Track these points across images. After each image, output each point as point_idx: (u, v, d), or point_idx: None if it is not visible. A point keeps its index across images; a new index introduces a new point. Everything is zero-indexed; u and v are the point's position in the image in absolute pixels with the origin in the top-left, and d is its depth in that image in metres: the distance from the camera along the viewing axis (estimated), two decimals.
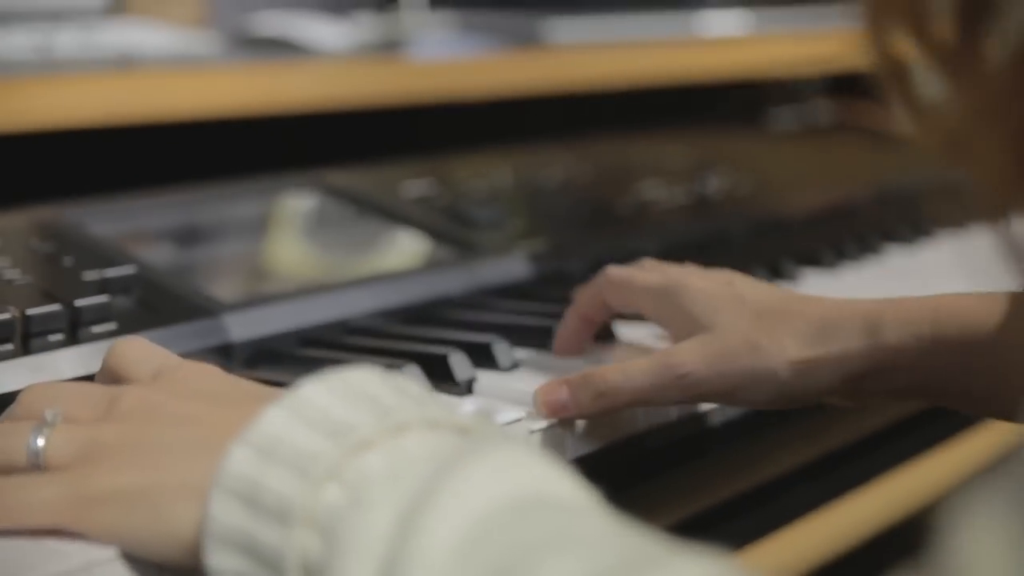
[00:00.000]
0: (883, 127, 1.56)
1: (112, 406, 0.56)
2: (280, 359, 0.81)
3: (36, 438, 0.55)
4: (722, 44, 1.44)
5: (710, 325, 0.71)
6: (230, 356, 0.80)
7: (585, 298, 0.80)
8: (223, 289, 0.87)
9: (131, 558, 0.52)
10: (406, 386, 0.52)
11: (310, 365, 0.78)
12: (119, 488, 0.52)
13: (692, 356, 0.70)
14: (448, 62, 1.26)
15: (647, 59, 1.35)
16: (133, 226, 0.93)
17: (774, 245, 1.08)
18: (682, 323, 0.73)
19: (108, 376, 0.61)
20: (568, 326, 0.81)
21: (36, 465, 0.54)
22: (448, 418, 0.50)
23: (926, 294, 0.69)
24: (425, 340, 0.82)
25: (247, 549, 0.48)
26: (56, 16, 1.34)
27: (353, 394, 0.50)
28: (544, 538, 0.43)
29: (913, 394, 0.70)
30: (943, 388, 0.68)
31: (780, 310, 0.70)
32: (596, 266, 1.00)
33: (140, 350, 0.61)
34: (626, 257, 1.02)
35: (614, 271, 0.79)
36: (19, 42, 1.19)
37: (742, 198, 1.20)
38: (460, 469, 0.45)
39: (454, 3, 1.51)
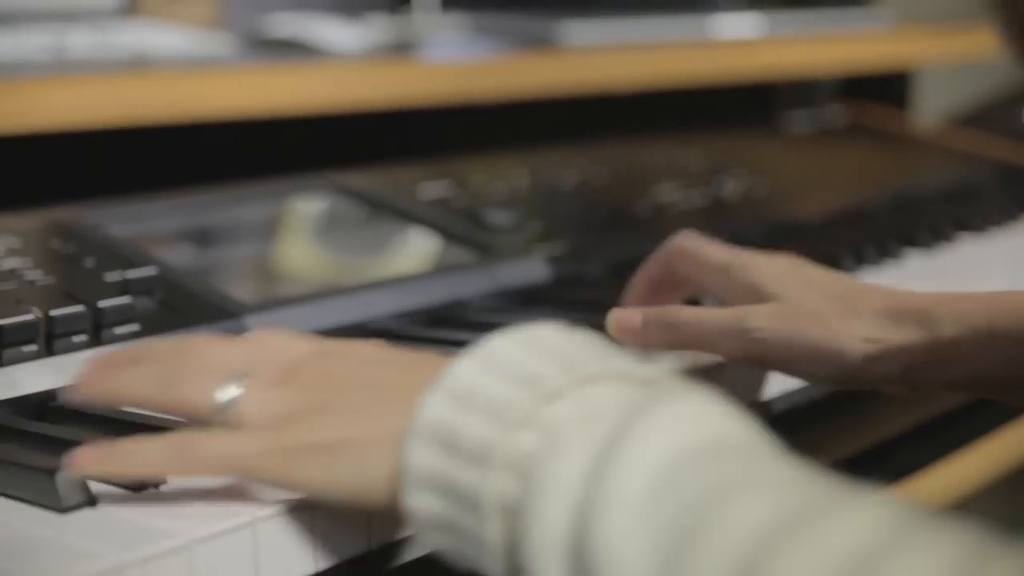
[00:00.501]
0: (897, 129, 1.56)
1: (295, 373, 0.59)
2: None
3: (227, 392, 0.58)
4: (736, 47, 1.44)
5: (780, 296, 0.73)
6: None
7: (655, 263, 0.81)
8: (241, 290, 0.87)
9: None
10: (590, 342, 0.54)
11: None
12: (320, 442, 0.55)
13: (764, 316, 0.72)
14: (464, 64, 1.26)
15: (661, 62, 1.34)
16: (151, 227, 0.93)
17: (793, 249, 1.08)
18: (748, 296, 0.75)
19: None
20: (636, 290, 0.82)
21: (224, 420, 0.58)
22: (633, 370, 0.52)
23: None
24: (447, 343, 0.82)
25: (445, 491, 0.51)
26: (69, 17, 1.34)
27: (541, 348, 0.53)
28: (731, 479, 0.45)
29: (968, 387, 0.72)
30: (998, 381, 0.70)
31: (848, 295, 0.73)
32: (614, 269, 1.00)
33: (287, 335, 0.63)
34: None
35: (686, 239, 0.80)
36: (32, 43, 1.19)
37: (758, 201, 1.20)
38: (649, 415, 0.47)
39: (466, 5, 1.50)
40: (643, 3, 1.59)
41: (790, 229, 1.16)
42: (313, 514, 0.59)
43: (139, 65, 1.16)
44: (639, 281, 0.82)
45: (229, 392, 0.58)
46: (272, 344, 0.62)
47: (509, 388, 0.51)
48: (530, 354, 0.52)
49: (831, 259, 1.03)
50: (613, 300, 0.87)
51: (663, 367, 0.53)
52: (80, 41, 1.22)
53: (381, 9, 1.59)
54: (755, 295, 0.74)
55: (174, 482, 0.61)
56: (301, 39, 1.33)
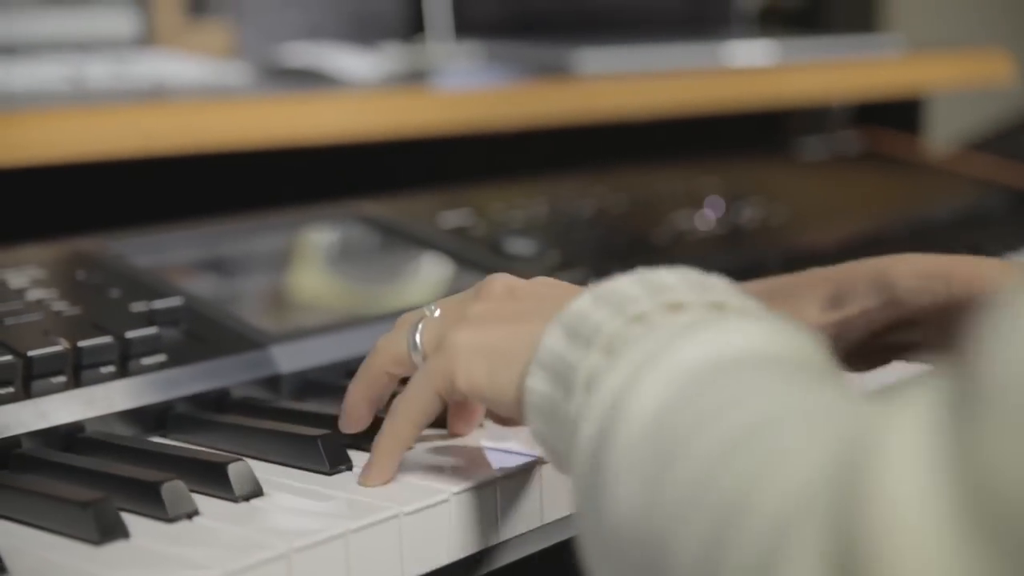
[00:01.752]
0: (910, 155, 1.56)
1: (480, 294, 0.67)
2: (327, 391, 0.81)
3: (414, 332, 0.66)
4: (749, 74, 1.45)
5: None
6: (278, 387, 0.80)
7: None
8: (265, 320, 0.87)
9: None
10: (705, 279, 0.59)
11: None
12: (480, 346, 0.62)
13: None
14: (480, 92, 1.26)
15: (675, 89, 1.35)
16: (174, 257, 0.94)
17: None
18: None
19: None
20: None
21: (416, 354, 0.66)
22: (730, 301, 0.57)
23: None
24: None
25: (554, 369, 0.58)
26: (87, 47, 1.35)
27: (656, 280, 0.59)
28: (732, 395, 0.48)
29: (933, 352, 0.72)
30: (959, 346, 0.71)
31: (791, 285, 0.74)
32: None
33: None
34: None
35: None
36: (52, 73, 1.20)
37: (774, 228, 1.20)
38: (697, 330, 0.53)
39: (480, 33, 1.51)
40: (655, 30, 1.59)
41: (806, 257, 1.16)
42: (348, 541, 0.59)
43: (158, 95, 1.16)
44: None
45: (413, 333, 0.66)
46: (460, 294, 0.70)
47: (638, 290, 0.58)
48: (641, 286, 0.58)
49: None
50: None
51: (761, 305, 0.57)
52: (99, 71, 1.23)
53: (394, 37, 1.59)
54: None
55: (206, 511, 0.62)
56: (317, 68, 1.34)
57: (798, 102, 1.51)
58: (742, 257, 1.12)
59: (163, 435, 0.75)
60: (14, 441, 0.69)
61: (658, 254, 1.09)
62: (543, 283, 0.67)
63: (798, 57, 1.50)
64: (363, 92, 1.24)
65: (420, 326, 0.66)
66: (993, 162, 1.57)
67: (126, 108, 1.04)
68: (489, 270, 0.98)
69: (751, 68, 1.45)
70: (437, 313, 0.67)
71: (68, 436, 0.71)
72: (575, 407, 0.56)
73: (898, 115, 1.63)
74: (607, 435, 0.52)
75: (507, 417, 0.65)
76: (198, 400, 0.77)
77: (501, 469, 0.68)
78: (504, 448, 0.71)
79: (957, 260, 0.70)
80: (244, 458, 0.66)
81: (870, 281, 0.70)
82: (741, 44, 1.48)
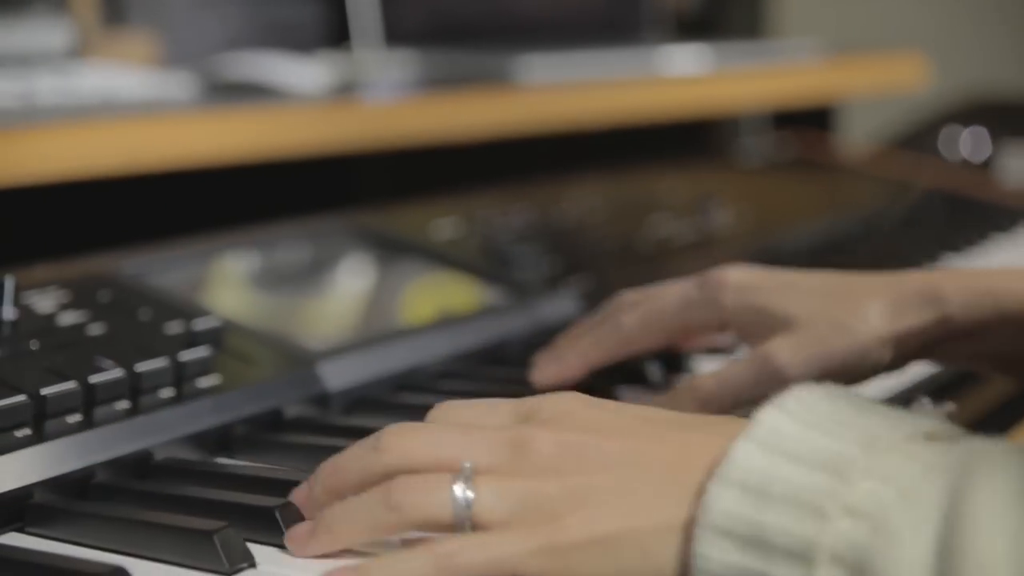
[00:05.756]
0: (836, 159, 1.59)
1: (524, 453, 0.53)
2: (377, 406, 0.79)
3: (462, 492, 0.52)
4: (689, 81, 1.46)
5: (788, 314, 0.72)
6: (327, 405, 0.78)
7: (672, 317, 0.77)
8: (301, 336, 0.85)
9: None
10: (857, 401, 0.51)
11: (408, 412, 0.77)
12: (597, 536, 0.50)
13: (788, 350, 0.71)
14: (433, 100, 1.25)
15: (619, 96, 1.35)
16: (186, 275, 0.90)
17: None
18: (758, 322, 0.73)
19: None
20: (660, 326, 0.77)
21: (465, 521, 0.52)
22: (916, 427, 0.50)
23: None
24: (513, 382, 0.81)
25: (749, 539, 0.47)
26: (20, 61, 1.30)
27: (821, 420, 0.49)
28: None
29: (980, 362, 0.74)
30: (1007, 357, 0.72)
31: (849, 292, 0.72)
32: None
33: (466, 403, 0.58)
34: None
35: (631, 296, 0.79)
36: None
37: (745, 232, 1.22)
38: (975, 482, 0.45)
39: (408, 42, 1.50)
40: (581, 37, 1.60)
41: (785, 258, 1.17)
42: None
43: (114, 111, 1.13)
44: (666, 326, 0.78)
45: (460, 495, 0.52)
46: (465, 417, 0.57)
47: (807, 472, 0.48)
48: (814, 430, 0.49)
49: None
50: None
51: (937, 420, 0.52)
52: (45, 86, 1.19)
53: (317, 46, 1.57)
54: (765, 319, 0.73)
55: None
56: (263, 81, 1.31)
57: (732, 108, 1.53)
58: (724, 261, 1.13)
59: (230, 456, 0.72)
60: (89, 472, 0.66)
61: (652, 258, 1.09)
62: (602, 431, 0.54)
63: (729, 64, 1.51)
64: (321, 104, 1.22)
65: (465, 489, 0.53)
66: (914, 162, 1.61)
67: (112, 124, 1.00)
68: (495, 279, 0.98)
69: (690, 75, 1.46)
70: (469, 465, 0.53)
71: (141, 463, 0.68)
72: None
73: (813, 119, 1.66)
74: None
75: None
76: (255, 421, 0.74)
77: None
78: None
79: (1003, 275, 0.71)
80: None
81: (922, 297, 0.71)
82: (675, 51, 1.49)
